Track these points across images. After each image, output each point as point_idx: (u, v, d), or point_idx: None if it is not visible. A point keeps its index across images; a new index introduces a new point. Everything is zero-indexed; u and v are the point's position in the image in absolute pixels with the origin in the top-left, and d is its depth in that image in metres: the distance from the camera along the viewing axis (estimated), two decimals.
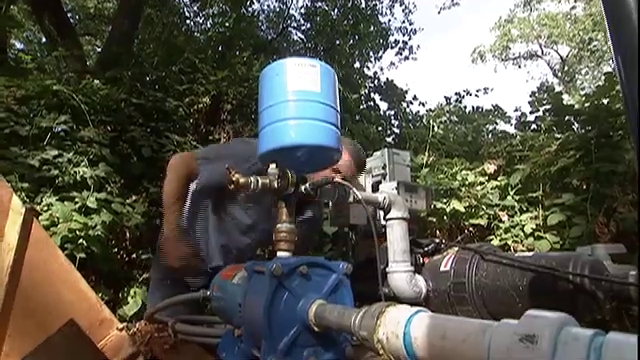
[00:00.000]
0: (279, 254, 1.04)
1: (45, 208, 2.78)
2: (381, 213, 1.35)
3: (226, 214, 1.93)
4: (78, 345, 0.99)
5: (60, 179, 3.02)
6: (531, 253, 1.28)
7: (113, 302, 2.93)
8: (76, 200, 2.88)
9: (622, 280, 1.02)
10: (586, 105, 3.64)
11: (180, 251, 1.82)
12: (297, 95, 1.04)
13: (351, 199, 1.16)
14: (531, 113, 4.51)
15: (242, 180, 1.00)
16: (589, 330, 0.45)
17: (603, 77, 3.64)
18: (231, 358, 1.02)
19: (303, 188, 1.06)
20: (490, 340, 0.52)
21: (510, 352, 0.48)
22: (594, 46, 17.25)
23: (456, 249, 1.36)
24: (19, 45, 10.28)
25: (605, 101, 3.41)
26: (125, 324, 1.39)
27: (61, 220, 2.67)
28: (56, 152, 3.14)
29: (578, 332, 0.46)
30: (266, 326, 0.87)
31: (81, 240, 2.67)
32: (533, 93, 4.40)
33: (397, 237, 1.28)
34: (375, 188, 1.80)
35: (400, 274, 1.27)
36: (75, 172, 3.07)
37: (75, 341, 0.99)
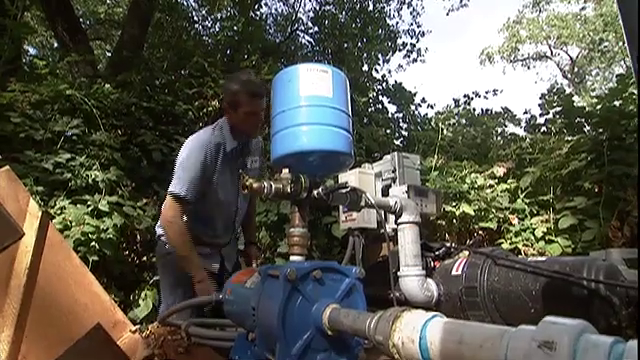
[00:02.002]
0: (292, 258, 1.04)
1: (58, 212, 2.81)
2: (391, 217, 1.36)
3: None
4: (105, 348, 1.00)
5: (73, 182, 3.06)
6: (544, 258, 1.27)
7: (124, 304, 2.95)
8: (88, 203, 2.91)
9: (636, 285, 1.01)
10: (598, 107, 3.61)
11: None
12: (309, 100, 1.05)
13: (363, 203, 1.16)
14: (541, 115, 4.49)
15: (255, 185, 1.01)
16: (609, 338, 0.45)
17: (615, 78, 3.61)
18: None
19: (316, 193, 1.06)
20: (508, 346, 0.52)
21: (528, 358, 0.48)
22: (605, 47, 17.09)
23: (467, 253, 1.35)
24: (32, 51, 10.41)
25: (617, 103, 3.38)
26: (138, 326, 1.41)
27: (74, 223, 2.70)
28: (69, 156, 3.18)
29: (598, 339, 0.46)
30: (280, 330, 0.88)
31: (93, 243, 2.70)
32: (543, 95, 4.36)
33: (409, 241, 1.28)
34: (385, 191, 1.80)
35: (412, 278, 1.27)
36: (87, 175, 3.11)
37: (102, 345, 1.00)
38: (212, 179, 1.94)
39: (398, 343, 0.66)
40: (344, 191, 1.13)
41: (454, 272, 1.31)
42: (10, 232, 1.20)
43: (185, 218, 1.90)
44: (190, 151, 1.91)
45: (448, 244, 1.51)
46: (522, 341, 0.50)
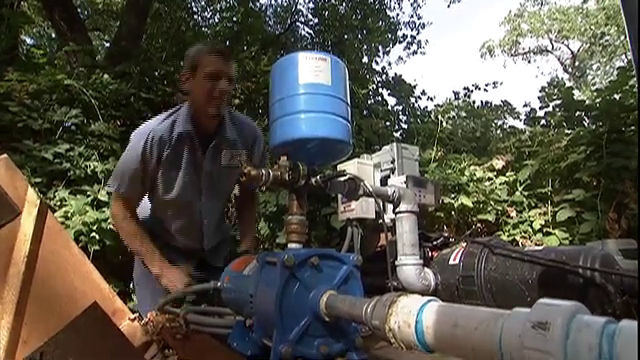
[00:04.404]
0: (290, 245, 1.05)
1: (59, 203, 2.82)
2: (389, 208, 1.36)
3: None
4: (102, 326, 1.01)
5: (72, 172, 3.06)
6: (541, 247, 1.28)
7: (124, 294, 2.96)
8: (88, 193, 2.91)
9: (631, 274, 1.02)
10: (597, 100, 3.61)
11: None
12: (308, 88, 1.05)
13: (361, 192, 1.16)
14: (541, 108, 4.48)
15: (253, 172, 1.01)
16: (601, 318, 0.46)
17: (615, 72, 3.61)
18: (242, 348, 1.04)
19: (314, 180, 1.07)
20: (502, 327, 0.52)
21: (522, 339, 0.49)
22: (606, 41, 17.03)
23: (465, 243, 1.36)
24: (30, 41, 10.36)
25: (617, 96, 3.38)
26: (137, 314, 1.41)
27: (75, 214, 2.71)
28: (68, 146, 3.18)
29: (590, 319, 0.47)
30: (278, 316, 0.88)
31: (94, 233, 2.71)
32: (543, 88, 4.36)
33: (406, 230, 1.28)
34: (384, 182, 1.80)
35: (409, 267, 1.27)
36: (86, 166, 3.11)
37: (100, 322, 1.01)
38: (156, 174, 1.72)
39: (394, 327, 0.67)
40: (342, 179, 1.13)
41: (451, 261, 1.32)
42: (7, 210, 1.21)
43: (136, 213, 1.78)
44: (130, 142, 1.72)
45: (446, 234, 1.52)
46: (516, 322, 0.51)
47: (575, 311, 0.47)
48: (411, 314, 0.65)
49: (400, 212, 1.29)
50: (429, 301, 0.66)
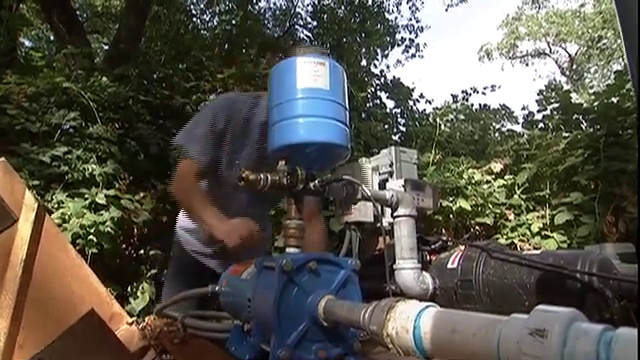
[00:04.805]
0: (288, 250, 1.05)
1: (56, 206, 2.81)
2: (388, 211, 1.36)
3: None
4: (100, 334, 1.01)
5: (70, 175, 3.05)
6: (539, 251, 1.28)
7: (122, 297, 2.96)
8: (86, 196, 2.91)
9: (630, 278, 1.02)
10: (595, 104, 3.62)
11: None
12: (306, 93, 1.05)
13: (359, 196, 1.16)
14: (538, 112, 4.50)
15: (252, 177, 1.01)
16: (599, 325, 0.46)
17: (613, 75, 3.62)
18: (241, 352, 1.03)
19: (312, 185, 1.07)
20: (500, 334, 0.52)
21: (520, 345, 0.49)
22: (603, 44, 17.09)
23: (463, 247, 1.36)
24: (28, 43, 10.35)
25: (615, 100, 3.39)
26: (135, 318, 1.41)
27: (73, 217, 2.70)
28: (65, 149, 3.18)
29: (588, 327, 0.47)
30: (276, 321, 0.88)
31: (91, 236, 2.71)
32: (541, 91, 4.37)
33: (405, 234, 1.28)
34: (382, 186, 1.80)
35: (407, 271, 1.27)
36: (84, 169, 3.11)
37: (97, 330, 1.01)
38: (223, 144, 1.63)
39: (392, 333, 0.67)
40: (340, 184, 1.13)
41: (450, 265, 1.32)
42: (3, 217, 1.21)
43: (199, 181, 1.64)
44: (209, 105, 1.65)
45: (444, 238, 1.51)
46: (514, 329, 0.51)
47: (573, 318, 0.47)
48: (409, 320, 0.65)
49: (398, 216, 1.29)
50: (427, 307, 0.66)
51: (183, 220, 1.93)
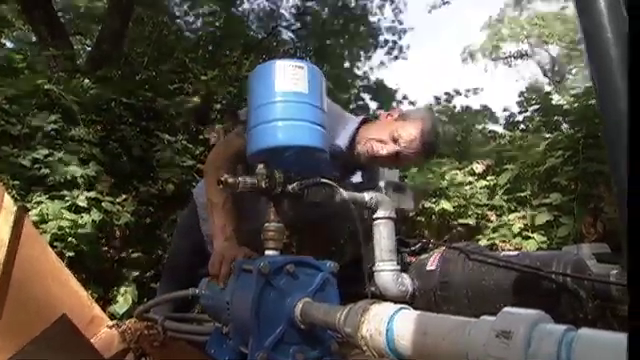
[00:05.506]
0: (267, 252, 1.05)
1: (35, 205, 2.77)
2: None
3: None
4: (72, 338, 1.00)
5: (51, 178, 3.01)
6: (517, 252, 1.30)
7: (103, 300, 2.92)
8: (66, 199, 2.87)
9: (603, 279, 1.04)
10: (575, 105, 3.68)
11: None
12: (285, 96, 1.06)
13: (337, 199, 1.17)
14: (520, 113, 4.56)
15: (230, 180, 1.01)
16: (562, 326, 0.47)
17: None
18: (220, 355, 1.03)
19: (290, 188, 1.07)
20: (469, 336, 0.53)
21: (487, 347, 0.50)
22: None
23: (442, 248, 1.37)
24: (9, 44, 10.16)
25: (593, 101, 3.44)
26: (115, 321, 1.40)
27: (51, 217, 2.66)
28: (47, 151, 3.12)
29: (552, 328, 0.48)
30: (253, 323, 0.89)
31: (71, 238, 2.67)
32: (522, 93, 4.44)
33: (384, 236, 1.29)
34: None
35: (386, 273, 1.28)
36: (66, 171, 3.06)
37: (69, 335, 1.00)
38: None
39: (366, 335, 0.68)
40: (319, 187, 1.13)
41: (429, 267, 1.33)
42: None
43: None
44: None
45: (424, 239, 1.53)
46: (482, 331, 0.52)
47: (537, 320, 0.49)
48: (382, 322, 0.66)
49: (378, 218, 1.30)
50: (400, 309, 0.67)
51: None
